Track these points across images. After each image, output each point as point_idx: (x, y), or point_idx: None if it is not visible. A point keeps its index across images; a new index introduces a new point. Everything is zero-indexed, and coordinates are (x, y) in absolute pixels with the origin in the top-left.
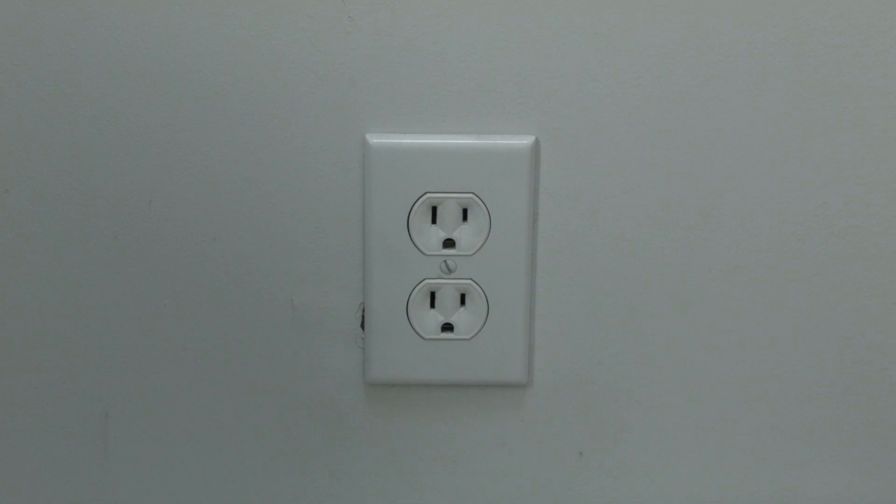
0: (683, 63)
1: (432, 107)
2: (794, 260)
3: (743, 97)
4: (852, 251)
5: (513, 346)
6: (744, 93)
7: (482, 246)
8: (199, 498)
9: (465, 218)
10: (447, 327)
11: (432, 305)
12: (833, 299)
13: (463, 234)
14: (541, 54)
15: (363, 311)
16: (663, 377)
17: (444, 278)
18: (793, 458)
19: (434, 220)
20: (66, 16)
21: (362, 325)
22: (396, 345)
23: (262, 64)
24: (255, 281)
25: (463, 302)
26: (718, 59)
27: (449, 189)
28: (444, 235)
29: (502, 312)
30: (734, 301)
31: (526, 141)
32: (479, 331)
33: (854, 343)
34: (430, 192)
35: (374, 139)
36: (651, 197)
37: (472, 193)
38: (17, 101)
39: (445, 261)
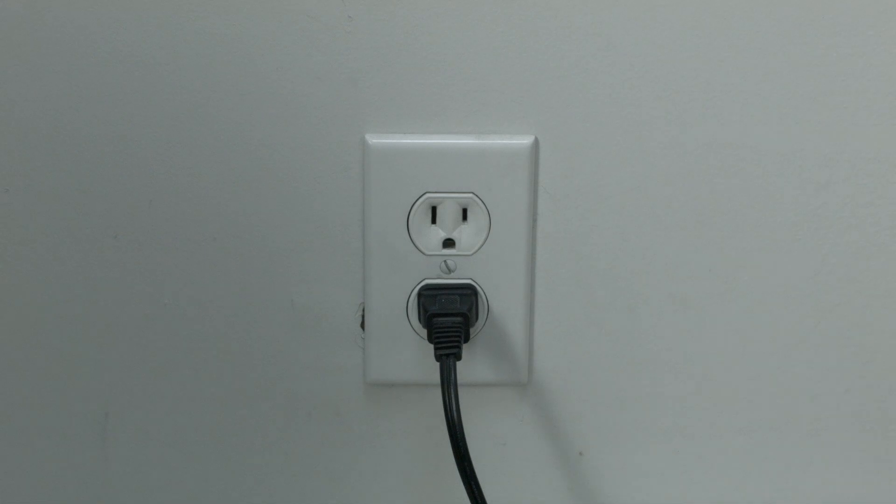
0: (683, 63)
1: (432, 107)
2: (794, 260)
3: (743, 97)
4: (852, 251)
5: (513, 346)
6: (744, 92)
7: (482, 246)
8: (199, 498)
9: (464, 218)
10: None
11: None
12: (833, 299)
13: (463, 234)
14: (541, 54)
15: (363, 311)
16: (663, 377)
17: (444, 278)
18: (793, 458)
19: (434, 220)
20: (66, 15)
21: (362, 325)
22: (396, 345)
23: (262, 64)
24: (255, 281)
25: None
26: (718, 59)
27: (449, 189)
28: (443, 235)
29: (502, 312)
30: (734, 301)
31: (525, 141)
32: (480, 330)
33: (854, 343)
34: (429, 192)
35: (374, 139)
36: (651, 197)
37: (472, 193)
38: (17, 101)
39: (445, 261)
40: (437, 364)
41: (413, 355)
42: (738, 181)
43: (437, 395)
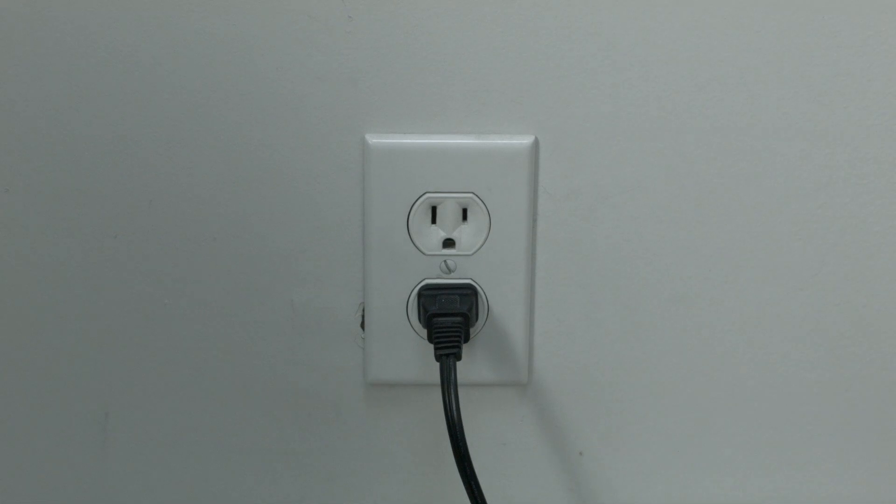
0: (683, 63)
1: (432, 107)
2: (794, 260)
3: (743, 97)
4: (852, 251)
5: (513, 346)
6: (744, 93)
7: (482, 246)
8: (199, 498)
9: (464, 218)
10: None
11: None
12: (833, 299)
13: (463, 234)
14: (541, 54)
15: (363, 311)
16: (663, 377)
17: (444, 278)
18: (793, 458)
19: (434, 220)
20: (66, 15)
21: (362, 325)
22: (396, 345)
23: (262, 64)
24: (255, 281)
25: None
26: (718, 59)
27: (449, 189)
28: (443, 235)
29: (502, 312)
30: (734, 301)
31: (525, 141)
32: (480, 330)
33: (854, 343)
34: (429, 192)
35: (374, 139)
36: (651, 197)
37: (472, 193)
38: (17, 101)
39: (445, 261)
40: (437, 364)
41: (413, 355)
42: (739, 181)
43: (437, 395)
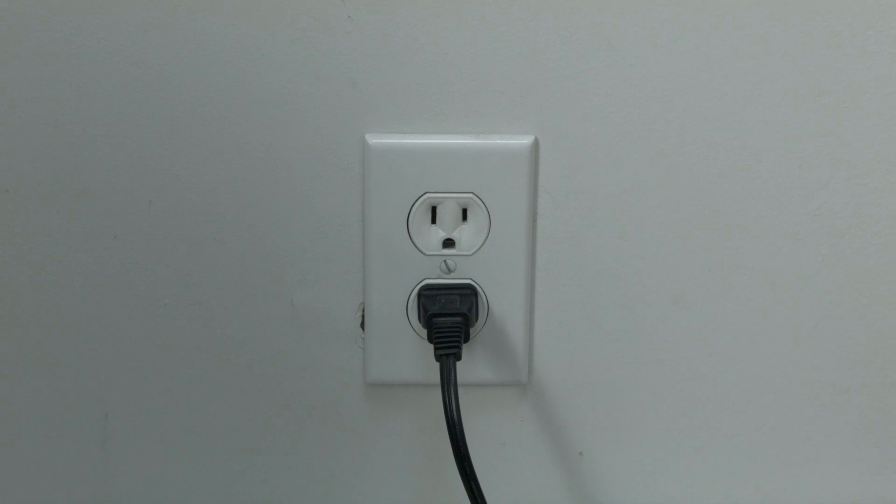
0: (683, 63)
1: (432, 107)
2: (794, 260)
3: (743, 97)
4: (852, 251)
5: (513, 346)
6: (744, 92)
7: (482, 246)
8: (199, 498)
9: (464, 218)
10: None
11: None
12: (833, 299)
13: (463, 234)
14: (541, 54)
15: (363, 311)
16: (663, 377)
17: (444, 278)
18: (793, 458)
19: (434, 220)
20: (66, 15)
21: (362, 325)
22: (396, 345)
23: (262, 64)
24: (255, 281)
25: None
26: (718, 59)
27: (448, 189)
28: (443, 235)
29: (502, 312)
30: (734, 301)
31: (525, 141)
32: (480, 330)
33: (854, 343)
34: (429, 192)
35: (374, 139)
36: (651, 197)
37: (472, 193)
38: (16, 100)
39: (445, 261)
40: (437, 364)
41: (413, 355)
42: (738, 181)
43: (437, 395)
